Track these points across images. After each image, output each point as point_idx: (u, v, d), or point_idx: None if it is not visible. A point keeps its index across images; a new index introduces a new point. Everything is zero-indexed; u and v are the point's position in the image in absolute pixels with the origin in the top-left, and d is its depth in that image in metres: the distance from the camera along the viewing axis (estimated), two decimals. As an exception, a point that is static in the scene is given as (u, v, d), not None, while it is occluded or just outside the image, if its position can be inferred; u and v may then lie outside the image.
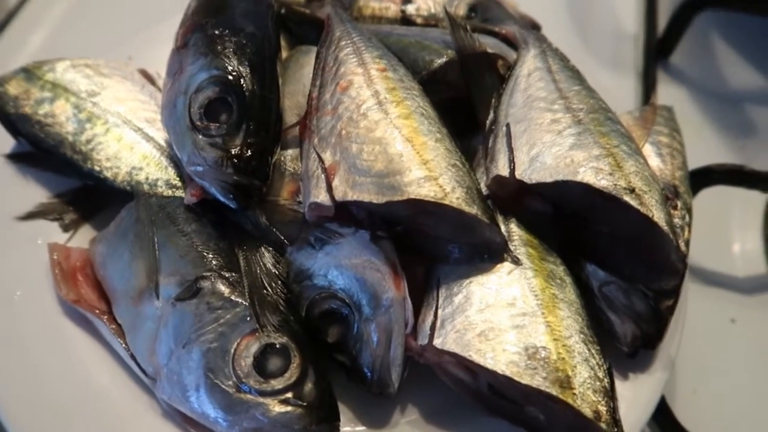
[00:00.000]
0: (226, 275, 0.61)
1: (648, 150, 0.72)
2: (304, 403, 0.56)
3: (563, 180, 0.59)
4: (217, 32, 0.68)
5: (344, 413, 0.61)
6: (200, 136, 0.63)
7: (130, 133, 0.73)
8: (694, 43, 1.05)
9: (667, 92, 0.99)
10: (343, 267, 0.62)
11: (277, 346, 0.58)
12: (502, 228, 0.62)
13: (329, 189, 0.59)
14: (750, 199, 0.88)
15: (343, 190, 0.58)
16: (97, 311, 0.64)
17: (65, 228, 0.72)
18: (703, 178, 0.79)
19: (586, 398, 0.53)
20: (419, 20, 0.87)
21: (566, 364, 0.54)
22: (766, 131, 0.99)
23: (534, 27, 0.87)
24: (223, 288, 0.60)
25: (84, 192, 0.74)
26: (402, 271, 0.60)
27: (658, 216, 0.57)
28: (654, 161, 0.71)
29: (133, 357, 0.61)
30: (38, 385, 0.62)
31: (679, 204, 0.68)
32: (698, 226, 0.71)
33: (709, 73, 1.05)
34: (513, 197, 0.63)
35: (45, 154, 0.73)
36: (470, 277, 0.59)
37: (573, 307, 0.59)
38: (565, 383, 0.53)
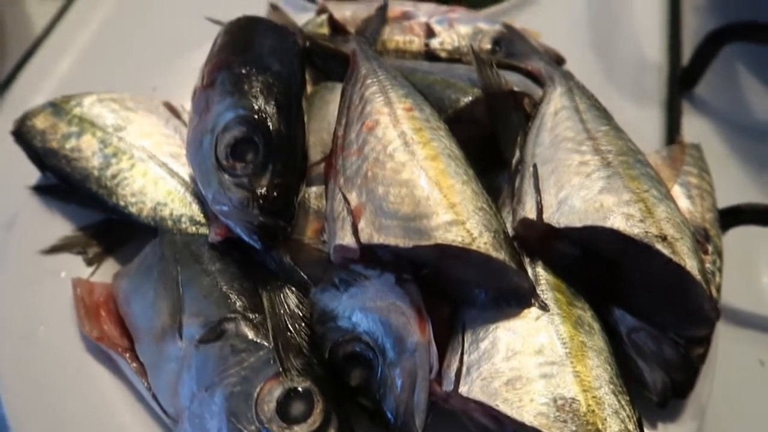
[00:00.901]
0: (250, 317, 0.61)
1: (677, 191, 0.70)
2: (327, 450, 0.55)
3: (593, 225, 0.58)
4: (243, 71, 0.68)
5: (367, 458, 0.60)
6: (226, 176, 0.63)
7: (155, 168, 0.73)
8: (719, 74, 1.03)
9: (692, 125, 0.98)
10: (368, 310, 0.61)
11: (300, 390, 0.57)
12: (529, 271, 0.61)
13: (355, 231, 0.58)
14: (779, 238, 0.86)
15: (369, 233, 0.58)
16: (120, 349, 0.64)
17: (89, 262, 0.72)
18: (732, 218, 0.77)
19: (616, 452, 0.52)
20: (443, 54, 0.87)
21: (596, 417, 0.53)
22: (795, 167, 0.97)
23: (558, 61, 0.87)
24: (247, 330, 0.60)
25: (108, 225, 0.74)
26: (427, 315, 0.59)
27: (690, 265, 0.55)
28: (683, 203, 0.70)
29: (154, 397, 0.61)
30: (60, 423, 0.62)
31: (710, 248, 0.66)
32: (725, 264, 0.69)
33: (735, 106, 1.03)
34: (540, 240, 0.62)
35: (70, 187, 0.73)
36: (497, 322, 0.58)
37: (602, 356, 0.57)
38: (595, 436, 0.52)
